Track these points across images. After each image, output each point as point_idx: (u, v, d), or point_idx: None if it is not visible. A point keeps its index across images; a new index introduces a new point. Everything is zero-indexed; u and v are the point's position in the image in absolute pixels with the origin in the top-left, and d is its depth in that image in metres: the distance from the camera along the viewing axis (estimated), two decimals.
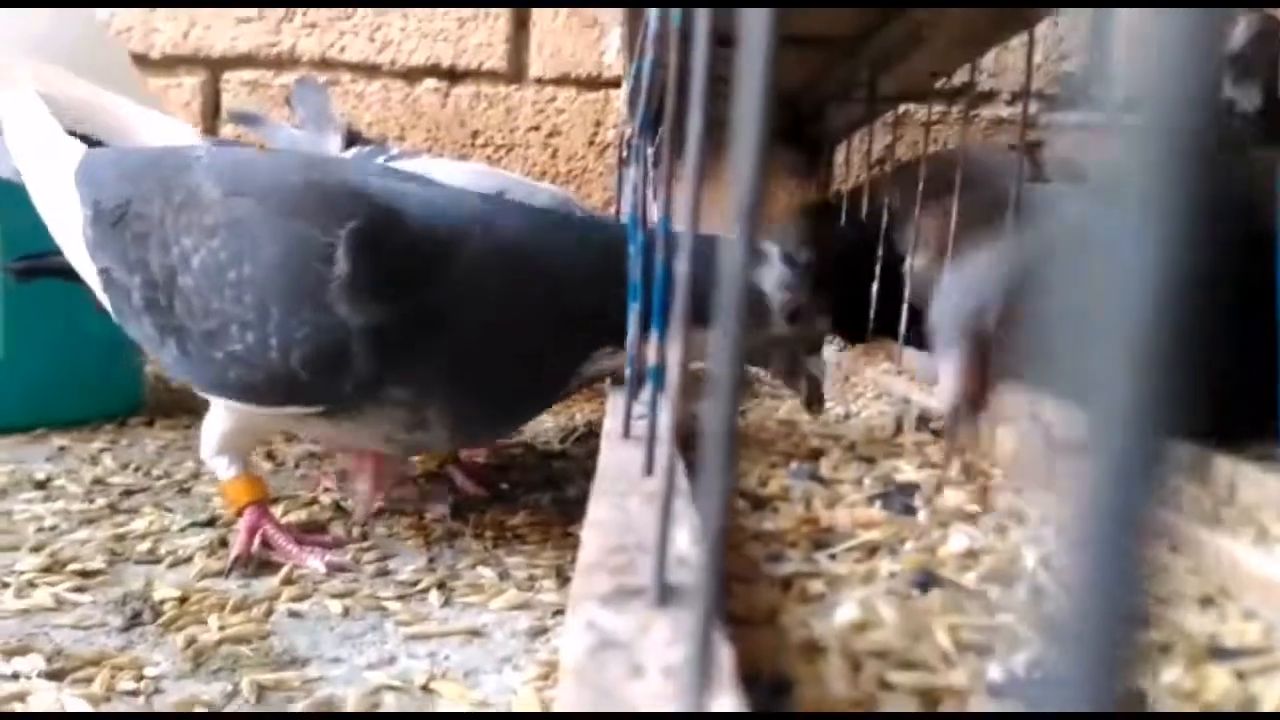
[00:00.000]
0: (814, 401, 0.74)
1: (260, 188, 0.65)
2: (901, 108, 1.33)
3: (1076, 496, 0.11)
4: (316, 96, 1.28)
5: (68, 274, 0.88)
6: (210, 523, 0.76)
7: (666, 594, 0.28)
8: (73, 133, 0.76)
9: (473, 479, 0.87)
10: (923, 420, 0.79)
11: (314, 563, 0.67)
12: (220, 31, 1.76)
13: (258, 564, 0.68)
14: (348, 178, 0.67)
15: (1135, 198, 0.10)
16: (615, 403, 0.63)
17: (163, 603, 0.61)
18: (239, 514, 0.71)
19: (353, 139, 1.24)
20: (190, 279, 0.64)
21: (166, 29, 1.76)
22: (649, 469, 0.43)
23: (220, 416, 0.70)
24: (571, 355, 0.66)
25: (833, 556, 0.49)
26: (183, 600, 0.61)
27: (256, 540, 0.69)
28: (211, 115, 1.79)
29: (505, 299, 0.64)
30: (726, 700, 0.23)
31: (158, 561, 0.69)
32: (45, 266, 0.89)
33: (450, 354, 0.63)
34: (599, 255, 0.66)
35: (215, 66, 1.78)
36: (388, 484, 0.76)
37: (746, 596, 0.42)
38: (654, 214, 0.65)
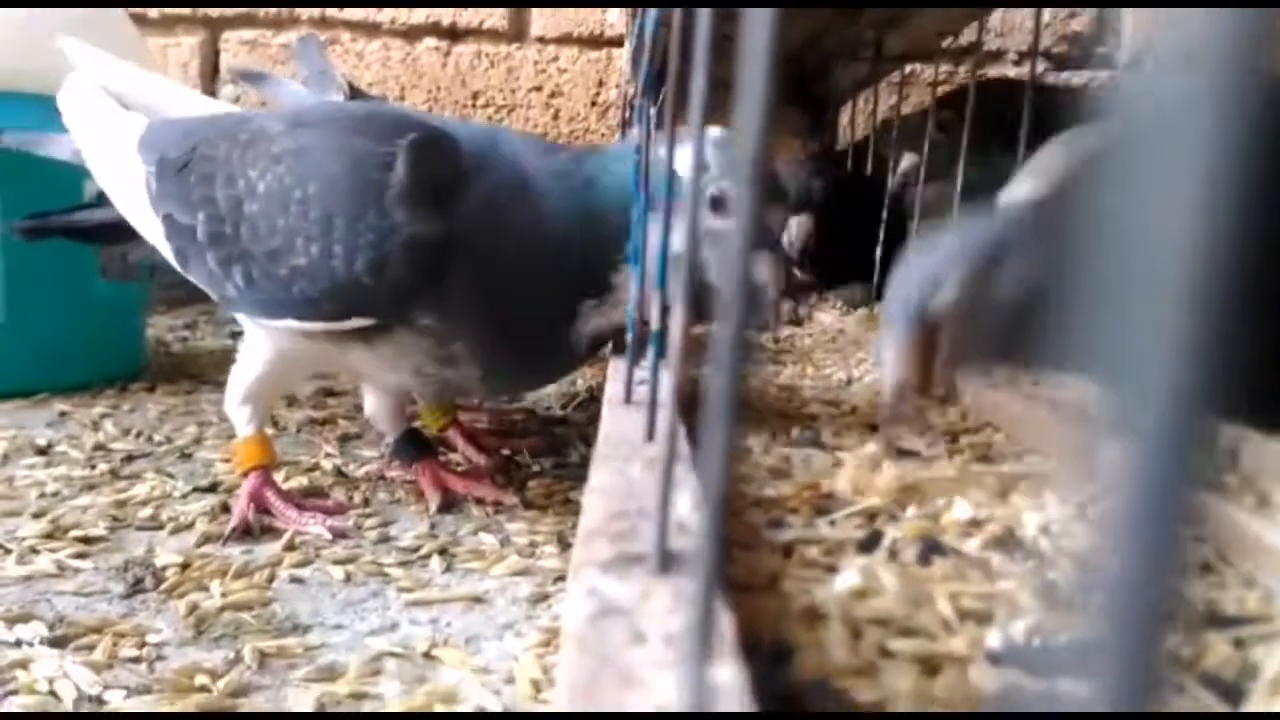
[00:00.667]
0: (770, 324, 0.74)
1: (323, 117, 0.71)
2: (908, 68, 1.31)
3: (1112, 481, 0.11)
4: (318, 54, 1.26)
5: (74, 233, 0.88)
6: (212, 488, 0.76)
7: (668, 561, 0.28)
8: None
9: (473, 444, 0.87)
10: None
11: (316, 528, 0.67)
12: None
13: (260, 529, 0.68)
14: (401, 109, 0.75)
15: (1177, 155, 0.10)
16: (617, 368, 0.63)
17: (164, 569, 0.61)
18: (244, 475, 0.71)
19: (355, 97, 1.23)
20: (256, 204, 0.67)
21: None
22: (650, 435, 0.42)
23: (253, 361, 0.73)
24: (566, 305, 0.67)
25: (833, 523, 0.49)
26: (184, 567, 0.61)
27: (252, 510, 0.69)
28: (210, 75, 1.77)
29: (514, 237, 0.66)
30: (728, 668, 0.23)
31: (159, 528, 0.69)
32: (53, 225, 0.90)
33: (471, 284, 0.65)
34: (582, 204, 0.66)
35: (214, 26, 1.76)
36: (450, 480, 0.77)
37: (748, 563, 0.42)
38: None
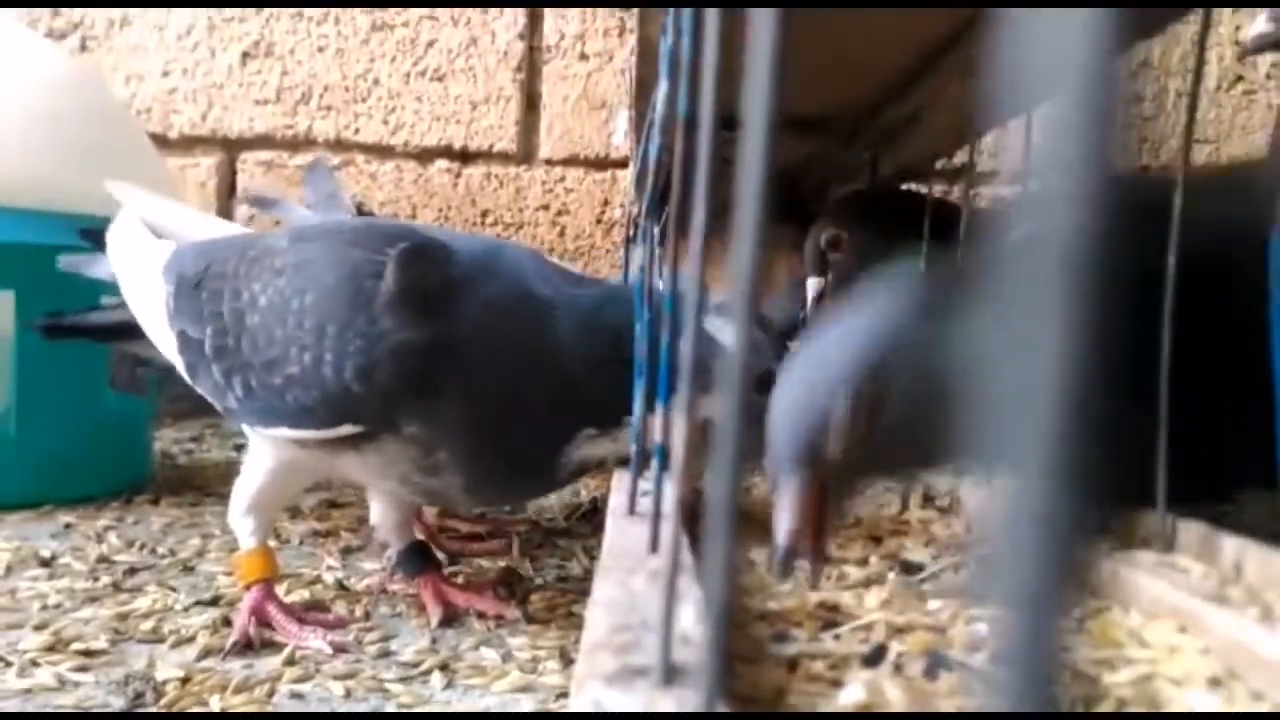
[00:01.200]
0: None
1: (324, 231, 0.73)
2: (902, 187, 1.35)
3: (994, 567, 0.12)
4: (327, 178, 1.31)
5: (89, 332, 0.91)
6: (214, 601, 0.76)
7: (672, 674, 0.28)
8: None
9: (433, 542, 0.88)
10: (928, 498, 0.79)
11: (316, 643, 0.67)
12: (238, 112, 1.81)
13: (261, 644, 0.67)
14: (400, 224, 0.77)
15: (1041, 274, 0.11)
16: (620, 479, 0.63)
17: (165, 683, 0.60)
18: (246, 589, 0.71)
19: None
20: (257, 316, 0.69)
21: (185, 110, 1.81)
22: (654, 546, 0.43)
23: (256, 472, 0.74)
24: (556, 430, 0.67)
25: (838, 637, 0.48)
26: (185, 681, 0.61)
27: (253, 624, 0.69)
28: (227, 195, 1.82)
29: (506, 354, 0.66)
30: None
31: (161, 641, 0.68)
32: (68, 325, 0.93)
33: (458, 394, 0.65)
34: (588, 331, 0.67)
35: (232, 147, 1.82)
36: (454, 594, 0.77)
37: (752, 677, 0.42)
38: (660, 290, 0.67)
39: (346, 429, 0.67)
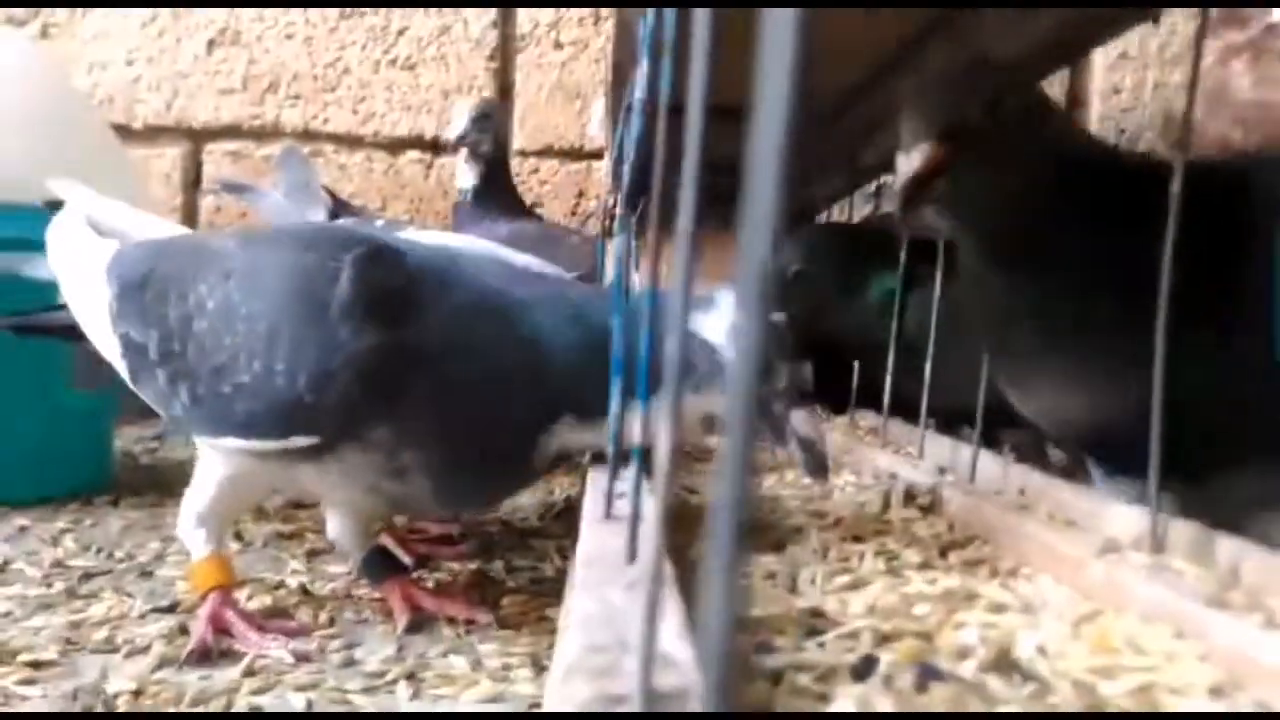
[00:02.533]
0: (817, 469, 0.66)
1: (274, 236, 0.71)
2: (882, 178, 1.33)
3: None
4: (300, 166, 1.27)
5: (55, 331, 0.88)
6: (171, 609, 0.73)
7: (652, 701, 0.26)
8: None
9: (402, 546, 0.85)
10: (909, 496, 0.77)
11: (278, 651, 0.64)
12: (203, 102, 1.76)
13: (219, 653, 0.65)
14: (354, 228, 0.73)
15: None
16: (596, 481, 0.61)
17: (116, 696, 0.58)
18: (203, 598, 0.68)
19: (337, 208, 1.24)
20: (205, 321, 0.66)
21: (150, 99, 1.77)
22: (632, 555, 0.40)
23: (207, 481, 0.70)
24: (533, 421, 0.65)
25: (822, 645, 0.46)
26: (137, 694, 0.58)
27: (210, 632, 0.66)
28: (192, 186, 1.78)
29: (478, 352, 0.64)
30: None
31: (114, 650, 0.65)
32: (36, 323, 0.90)
33: (426, 398, 0.63)
34: (568, 322, 0.65)
35: (198, 137, 1.78)
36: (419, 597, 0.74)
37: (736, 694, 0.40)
38: (637, 285, 0.64)
39: (300, 440, 0.64)
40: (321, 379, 0.61)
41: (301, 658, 0.64)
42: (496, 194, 1.38)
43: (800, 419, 0.65)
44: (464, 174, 1.39)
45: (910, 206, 0.63)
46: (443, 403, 0.63)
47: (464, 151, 1.37)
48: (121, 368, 0.73)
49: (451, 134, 1.40)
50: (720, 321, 0.64)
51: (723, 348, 0.63)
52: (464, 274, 0.67)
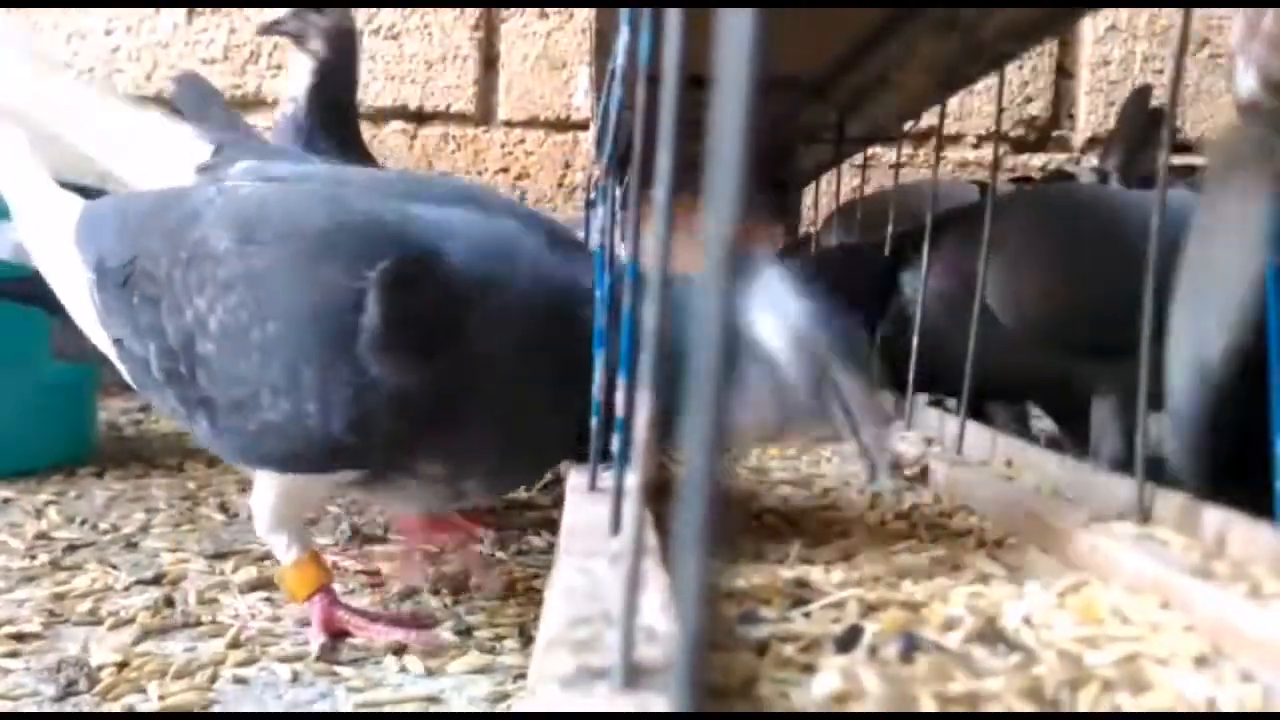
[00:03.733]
0: (874, 470, 0.59)
1: (277, 233, 0.58)
2: (870, 150, 1.33)
3: None
4: (201, 97, 1.15)
5: (35, 300, 0.83)
6: (156, 580, 0.73)
7: (633, 675, 0.26)
8: (66, 184, 0.71)
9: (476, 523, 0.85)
10: (896, 466, 0.77)
11: (401, 636, 0.62)
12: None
13: (198, 622, 0.64)
14: (374, 208, 0.58)
15: None
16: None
17: (100, 669, 0.57)
18: (305, 602, 0.64)
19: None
20: (210, 344, 0.58)
21: (129, 69, 1.74)
22: (616, 527, 0.40)
23: (266, 487, 0.64)
24: (585, 405, 0.58)
25: (808, 615, 0.46)
26: (122, 666, 0.58)
27: (328, 638, 0.62)
28: None
29: (527, 357, 0.57)
30: None
31: (98, 623, 0.65)
32: (23, 290, 0.87)
33: (476, 424, 0.57)
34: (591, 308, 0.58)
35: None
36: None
37: (721, 664, 0.39)
38: (622, 255, 0.63)
39: (348, 474, 0.59)
40: (358, 421, 0.55)
41: (431, 649, 0.62)
42: (336, 126, 1.06)
43: (869, 422, 0.57)
44: (293, 77, 1.09)
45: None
46: (497, 417, 0.57)
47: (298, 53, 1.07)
48: (123, 371, 0.67)
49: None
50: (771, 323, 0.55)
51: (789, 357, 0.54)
52: (518, 267, 0.58)
